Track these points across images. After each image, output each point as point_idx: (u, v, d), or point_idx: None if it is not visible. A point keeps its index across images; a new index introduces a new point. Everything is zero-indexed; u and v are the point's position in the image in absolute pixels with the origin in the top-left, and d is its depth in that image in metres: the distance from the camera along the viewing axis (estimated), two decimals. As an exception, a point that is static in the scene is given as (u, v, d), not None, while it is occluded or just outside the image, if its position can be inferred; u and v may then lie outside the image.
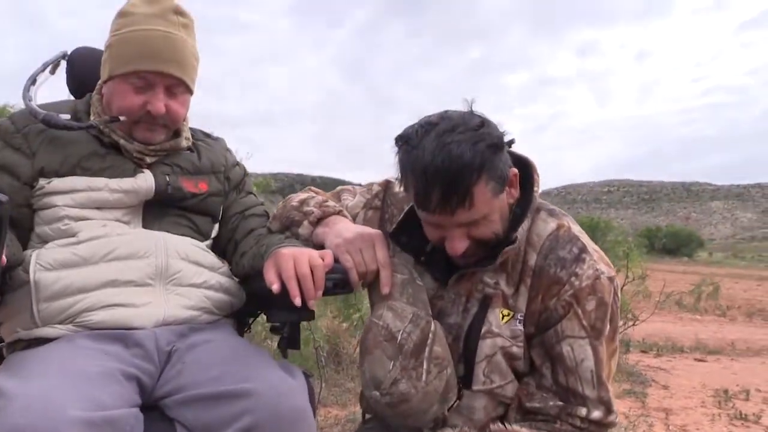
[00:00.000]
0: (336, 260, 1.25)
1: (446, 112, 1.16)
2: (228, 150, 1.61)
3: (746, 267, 26.85)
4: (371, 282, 1.29)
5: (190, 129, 1.56)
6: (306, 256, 1.19)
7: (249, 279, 1.44)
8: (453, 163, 1.08)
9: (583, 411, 1.20)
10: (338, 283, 1.21)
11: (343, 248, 1.27)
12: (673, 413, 3.57)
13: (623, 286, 4.79)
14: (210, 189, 1.48)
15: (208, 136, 1.61)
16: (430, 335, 1.19)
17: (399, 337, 1.17)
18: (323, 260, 1.19)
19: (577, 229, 1.28)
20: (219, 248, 1.53)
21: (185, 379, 1.12)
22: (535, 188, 1.27)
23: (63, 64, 1.60)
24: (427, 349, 1.18)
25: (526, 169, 1.27)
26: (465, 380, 1.25)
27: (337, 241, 1.28)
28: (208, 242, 1.49)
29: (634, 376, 4.35)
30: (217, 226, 1.53)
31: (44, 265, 1.24)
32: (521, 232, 1.21)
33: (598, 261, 1.23)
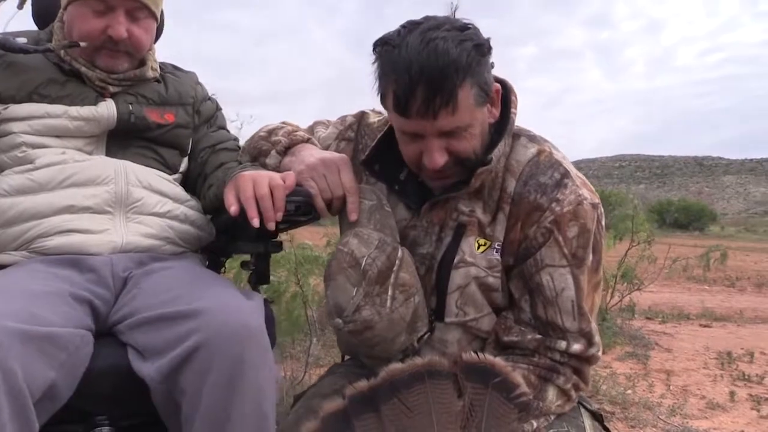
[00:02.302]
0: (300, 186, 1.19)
1: (428, 15, 1.09)
2: (198, 83, 1.55)
3: (758, 240, 26.59)
4: (339, 209, 1.23)
5: (160, 63, 1.50)
6: (266, 177, 1.13)
7: (217, 212, 1.39)
8: (439, 59, 1.01)
9: (562, 344, 1.14)
10: (300, 206, 1.14)
11: (306, 174, 1.20)
12: (675, 374, 3.51)
13: (628, 249, 4.72)
14: (177, 120, 1.43)
15: (177, 69, 1.55)
16: (397, 261, 1.12)
17: (363, 263, 1.11)
18: (284, 182, 1.13)
19: (559, 155, 1.21)
20: (189, 183, 1.47)
21: (138, 303, 1.08)
22: (513, 110, 1.19)
23: None
24: (392, 276, 1.11)
25: (504, 90, 1.20)
26: (437, 312, 1.19)
27: (300, 168, 1.22)
28: (177, 176, 1.43)
29: (636, 339, 4.30)
30: (186, 160, 1.47)
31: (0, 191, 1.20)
32: (497, 153, 1.14)
33: (580, 186, 1.16)
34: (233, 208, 1.11)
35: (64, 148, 1.28)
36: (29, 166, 1.23)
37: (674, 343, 4.35)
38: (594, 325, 1.15)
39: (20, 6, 1.51)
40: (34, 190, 1.20)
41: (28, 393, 0.86)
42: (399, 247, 1.15)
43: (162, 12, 1.47)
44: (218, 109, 1.57)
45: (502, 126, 1.18)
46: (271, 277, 3.01)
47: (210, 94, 1.58)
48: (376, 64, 1.10)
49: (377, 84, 1.11)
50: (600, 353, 1.17)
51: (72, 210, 1.20)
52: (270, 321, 1.09)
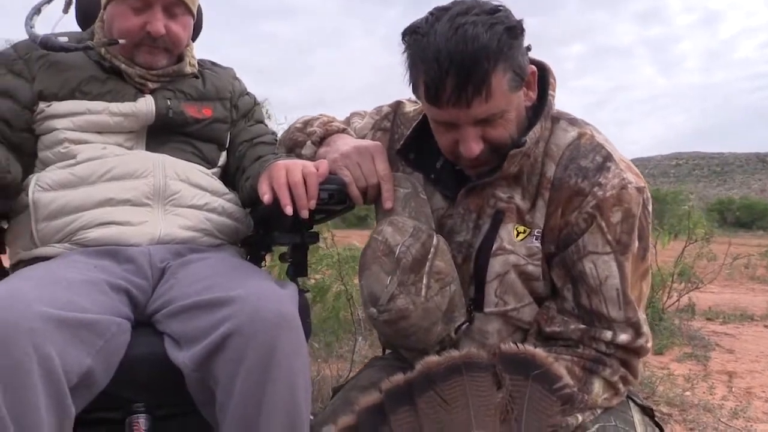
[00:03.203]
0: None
1: (457, 0, 1.06)
2: (236, 78, 1.56)
3: (829, 240, 25.19)
4: (374, 198, 1.21)
5: (199, 59, 1.51)
6: (299, 165, 1.12)
7: (254, 205, 1.39)
8: (468, 45, 0.98)
9: (608, 334, 1.08)
10: (334, 194, 1.13)
11: (341, 162, 1.19)
12: (738, 376, 3.34)
13: (685, 247, 4.54)
14: (215, 115, 1.44)
15: (216, 65, 1.56)
16: (432, 249, 1.09)
17: (397, 251, 1.08)
18: (317, 170, 1.12)
19: (602, 137, 1.16)
20: (228, 177, 1.48)
21: (175, 293, 1.08)
22: (551, 92, 1.15)
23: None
24: (427, 264, 1.08)
25: (541, 72, 1.15)
26: (476, 302, 1.15)
27: (334, 156, 1.20)
28: (215, 170, 1.45)
29: (696, 339, 4.11)
30: (224, 154, 1.48)
31: (43, 185, 1.23)
32: (532, 136, 1.10)
33: (624, 170, 1.11)
34: (266, 197, 1.10)
35: (105, 144, 1.30)
36: (71, 161, 1.26)
37: (737, 345, 4.14)
38: (642, 315, 1.10)
39: (65, 10, 1.55)
40: (75, 184, 1.23)
41: (64, 379, 0.87)
42: (434, 235, 1.12)
43: (200, 9, 1.49)
44: (256, 103, 1.58)
45: (539, 109, 1.14)
46: (316, 276, 3.03)
47: (258, 99, 1.59)
48: (405, 54, 1.07)
49: (408, 74, 1.08)
50: (649, 345, 1.11)
51: (111, 203, 1.22)
52: (305, 311, 1.08)
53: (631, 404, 1.14)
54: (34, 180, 1.24)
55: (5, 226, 1.32)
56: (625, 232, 1.07)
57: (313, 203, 1.09)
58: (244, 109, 1.53)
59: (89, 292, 1.00)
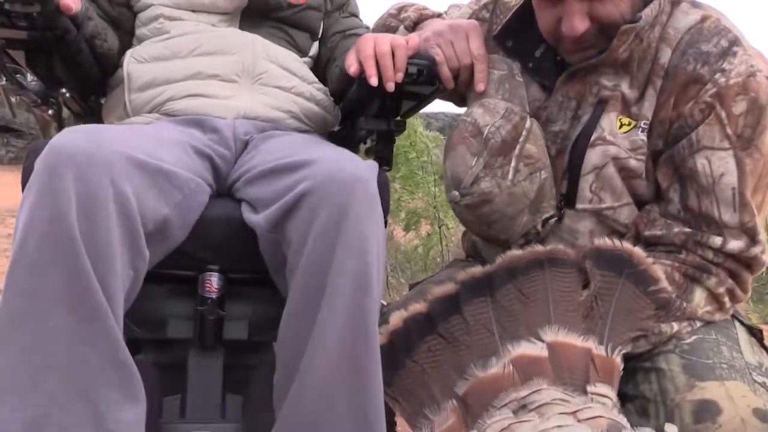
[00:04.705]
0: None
1: None
2: None
3: None
4: (467, 82, 1.13)
5: None
6: (388, 37, 1.06)
7: (342, 95, 1.35)
8: None
9: (717, 240, 0.96)
10: (423, 70, 1.06)
11: (433, 41, 1.12)
12: None
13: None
14: (309, 2, 1.40)
15: None
16: (524, 132, 1.01)
17: (486, 132, 1.01)
18: (407, 44, 1.05)
19: (729, 22, 1.01)
20: (319, 69, 1.45)
21: (255, 162, 1.07)
22: None
23: None
24: (518, 147, 1.01)
25: None
26: (569, 199, 1.06)
27: (426, 35, 1.13)
28: (307, 59, 1.42)
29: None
30: (316, 44, 1.45)
31: (137, 58, 1.25)
32: (648, 12, 0.97)
33: (754, 57, 0.97)
34: (353, 68, 1.06)
35: (198, 22, 1.30)
36: (165, 36, 1.27)
37: None
38: (760, 221, 0.97)
39: None
40: (167, 57, 1.24)
41: (139, 219, 0.87)
42: (528, 118, 1.03)
43: None
44: (351, -4, 1.53)
45: None
46: (409, 204, 3.01)
47: None
48: None
49: None
50: (766, 257, 0.98)
51: (200, 76, 1.22)
52: (384, 187, 1.03)
53: (737, 323, 1.02)
54: (129, 53, 1.27)
55: (103, 101, 1.36)
56: (749, 125, 0.94)
57: (400, 76, 1.04)
58: (339, 1, 1.49)
59: (172, 150, 1.01)
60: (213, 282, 1.00)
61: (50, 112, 1.27)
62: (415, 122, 3.52)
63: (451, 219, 2.95)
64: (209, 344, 1.02)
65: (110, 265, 0.83)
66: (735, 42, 0.97)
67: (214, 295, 1.00)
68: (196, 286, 1.01)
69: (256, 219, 0.98)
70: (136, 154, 0.89)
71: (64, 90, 1.25)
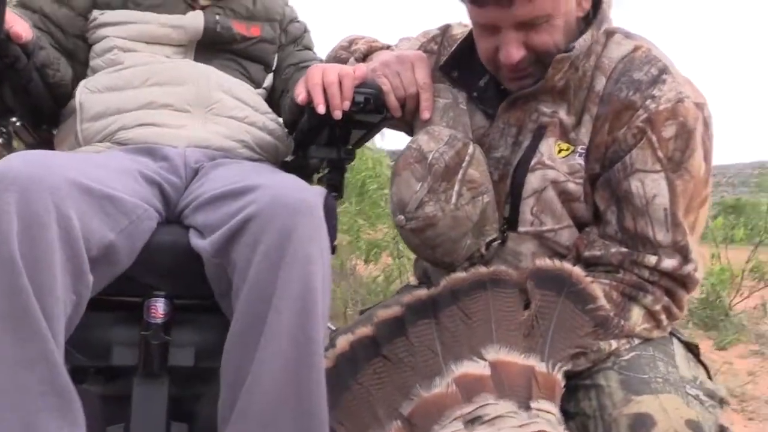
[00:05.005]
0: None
1: None
2: (288, 5, 1.55)
3: None
4: (413, 111, 1.17)
5: None
6: (336, 67, 1.10)
7: (294, 125, 1.38)
8: None
9: (652, 259, 1.00)
10: (370, 98, 1.09)
11: (380, 71, 1.15)
12: (808, 377, 3.12)
13: (757, 245, 4.29)
14: (263, 35, 1.44)
15: None
16: (467, 157, 1.05)
17: (430, 158, 1.04)
18: (354, 73, 1.09)
19: (659, 52, 1.08)
20: (273, 100, 1.48)
21: (204, 188, 1.08)
22: (606, 1, 1.08)
23: None
24: (461, 172, 1.04)
25: None
26: (511, 222, 1.09)
27: (374, 65, 1.17)
28: (261, 91, 1.44)
29: (764, 338, 3.87)
30: (270, 76, 1.48)
31: (90, 88, 1.26)
32: (581, 42, 1.03)
33: (682, 84, 1.02)
34: (301, 97, 1.09)
35: (153, 54, 1.32)
36: (118, 66, 1.28)
37: (810, 348, 3.87)
38: (692, 241, 1.01)
39: None
40: (120, 88, 1.25)
41: (83, 243, 0.87)
42: (470, 144, 1.07)
43: None
44: (306, 31, 1.56)
45: (591, 16, 1.07)
46: (369, 235, 3.04)
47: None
48: None
49: None
50: (699, 275, 1.02)
51: (152, 106, 1.23)
52: (331, 212, 1.05)
53: (674, 340, 1.06)
54: (82, 84, 1.27)
55: (55, 132, 1.36)
56: (678, 149, 0.99)
57: (347, 104, 1.07)
58: (293, 35, 1.52)
59: (120, 176, 1.01)
60: (158, 307, 0.99)
61: (0, 141, 1.27)
62: (380, 154, 3.57)
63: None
64: (154, 371, 1.01)
65: (51, 288, 0.83)
66: (664, 70, 1.03)
67: (159, 320, 0.99)
68: (142, 312, 1.01)
69: (202, 244, 0.99)
70: (82, 179, 0.90)
71: (14, 119, 1.25)
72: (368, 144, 3.19)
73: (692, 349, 1.07)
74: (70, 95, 1.29)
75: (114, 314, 1.04)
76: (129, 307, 1.02)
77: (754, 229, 4.61)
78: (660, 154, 0.99)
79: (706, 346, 3.63)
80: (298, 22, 1.55)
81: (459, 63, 1.18)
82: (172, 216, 1.13)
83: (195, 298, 1.05)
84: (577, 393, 0.98)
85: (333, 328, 1.10)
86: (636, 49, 1.06)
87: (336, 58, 1.33)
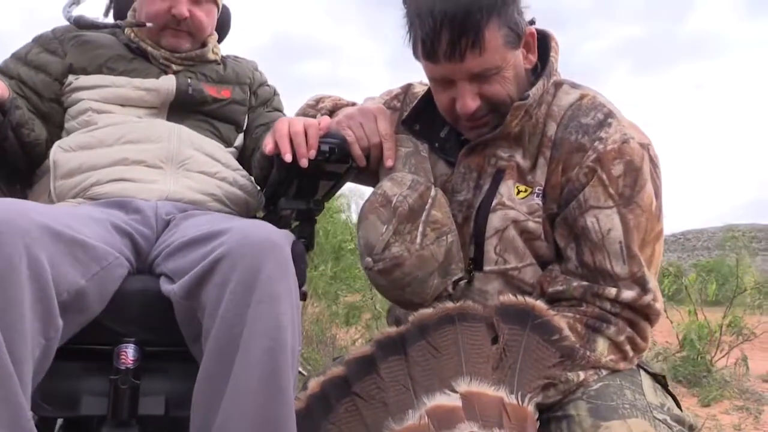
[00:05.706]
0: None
1: None
2: (257, 70, 1.63)
3: None
4: (377, 160, 1.22)
5: (223, 55, 1.59)
6: (301, 119, 1.15)
7: (264, 180, 1.42)
8: (461, 0, 1.01)
9: (612, 291, 1.04)
10: (335, 147, 1.15)
11: (344, 123, 1.22)
12: (794, 431, 3.10)
13: (733, 298, 4.35)
14: (233, 96, 1.50)
15: (238, 57, 1.64)
16: (429, 200, 1.09)
17: (394, 201, 1.08)
18: (319, 124, 1.14)
19: (604, 99, 1.15)
20: (244, 159, 1.52)
21: (174, 237, 1.10)
22: (553, 55, 1.16)
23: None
24: (425, 213, 1.08)
25: (544, 39, 1.17)
26: (476, 262, 1.13)
27: (338, 119, 1.24)
28: (231, 150, 1.49)
29: (748, 393, 3.85)
30: (241, 136, 1.53)
31: (64, 147, 1.30)
32: (535, 92, 1.10)
33: (627, 127, 1.09)
34: (268, 147, 1.13)
35: (127, 115, 1.37)
36: (92, 126, 1.33)
37: (795, 403, 3.85)
38: (649, 273, 1.05)
39: (105, 14, 1.67)
40: (93, 146, 1.29)
41: (53, 288, 0.88)
42: (432, 187, 1.12)
43: (227, 10, 1.59)
44: (275, 94, 1.64)
45: (541, 68, 1.15)
46: (347, 298, 3.04)
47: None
48: (405, 14, 1.10)
49: (408, 34, 1.11)
50: (658, 306, 1.06)
51: (125, 162, 1.27)
52: (300, 257, 1.07)
53: (642, 371, 1.08)
54: (57, 144, 1.31)
55: (29, 192, 1.38)
56: (627, 185, 1.05)
57: (312, 153, 1.11)
58: (263, 98, 1.59)
59: (91, 225, 1.03)
60: (128, 353, 0.99)
61: None
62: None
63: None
64: (124, 420, 0.99)
65: (20, 330, 0.83)
66: (609, 115, 1.10)
67: (129, 366, 0.98)
68: (112, 359, 1.00)
69: (172, 288, 1.00)
70: (53, 225, 0.91)
71: None
72: (342, 208, 3.25)
73: (660, 380, 1.09)
74: (45, 155, 1.32)
75: (83, 363, 1.03)
76: (99, 355, 1.01)
77: (726, 284, 4.69)
78: (611, 190, 1.05)
79: (690, 403, 3.61)
80: (267, 86, 1.63)
81: (420, 117, 1.24)
82: (143, 266, 1.14)
83: (166, 345, 1.05)
84: (549, 425, 0.99)
85: (305, 373, 1.10)
86: (582, 97, 1.14)
87: (304, 115, 1.39)
